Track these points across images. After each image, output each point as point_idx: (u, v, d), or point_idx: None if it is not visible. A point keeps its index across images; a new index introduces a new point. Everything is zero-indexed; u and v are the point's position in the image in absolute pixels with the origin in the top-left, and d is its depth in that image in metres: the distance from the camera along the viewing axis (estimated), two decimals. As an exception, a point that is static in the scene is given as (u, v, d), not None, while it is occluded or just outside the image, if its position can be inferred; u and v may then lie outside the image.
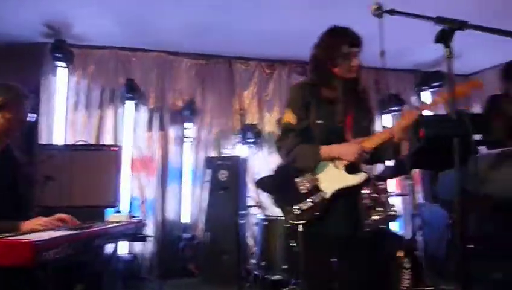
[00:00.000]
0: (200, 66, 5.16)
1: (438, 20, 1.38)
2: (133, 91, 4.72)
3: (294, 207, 2.04)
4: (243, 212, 4.38)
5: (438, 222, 4.24)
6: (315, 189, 2.05)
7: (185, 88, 5.10)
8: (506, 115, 2.94)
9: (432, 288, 3.14)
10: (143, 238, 2.42)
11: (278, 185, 2.20)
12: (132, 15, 4.10)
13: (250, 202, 4.67)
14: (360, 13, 2.16)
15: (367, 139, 2.04)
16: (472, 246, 2.28)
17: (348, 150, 2.02)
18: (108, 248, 2.81)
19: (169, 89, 5.03)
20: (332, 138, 2.06)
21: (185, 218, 4.90)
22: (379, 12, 1.65)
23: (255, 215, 4.42)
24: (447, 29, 1.35)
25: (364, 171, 2.06)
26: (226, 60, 5.23)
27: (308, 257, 2.03)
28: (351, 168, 2.06)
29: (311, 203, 2.03)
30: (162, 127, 4.96)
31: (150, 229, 4.54)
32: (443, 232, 4.01)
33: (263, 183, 4.05)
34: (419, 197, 4.69)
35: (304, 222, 2.02)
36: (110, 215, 2.54)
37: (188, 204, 4.93)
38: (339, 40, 2.05)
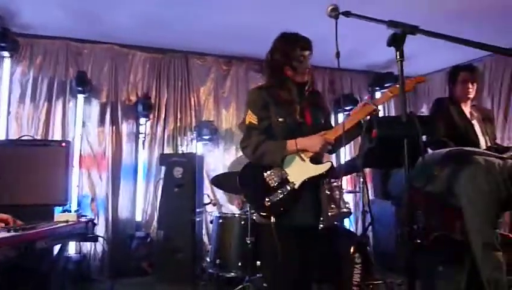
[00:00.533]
0: (155, 59, 5.03)
1: (391, 24, 1.41)
2: (84, 84, 4.52)
3: (266, 200, 2.12)
4: (199, 210, 4.33)
5: (387, 218, 4.40)
6: (284, 181, 2.15)
7: (139, 82, 4.95)
8: (450, 117, 3.07)
9: (381, 282, 3.27)
10: (94, 238, 2.33)
11: (245, 182, 2.24)
12: (83, 5, 3.92)
13: (205, 199, 4.63)
14: (317, 13, 2.19)
15: (328, 132, 2.16)
16: (419, 241, 2.38)
17: (313, 142, 2.13)
18: (56, 249, 2.69)
19: (122, 83, 4.87)
20: (294, 135, 2.17)
21: (138, 216, 4.77)
22: (335, 13, 1.67)
23: (211, 212, 4.38)
24: (399, 33, 1.39)
25: (329, 161, 2.18)
26: (182, 54, 5.13)
27: (281, 248, 2.06)
28: (316, 160, 2.18)
29: (281, 195, 2.12)
30: (115, 122, 4.79)
31: (101, 228, 4.40)
32: (392, 228, 4.17)
33: (220, 181, 4.03)
34: (370, 194, 4.85)
35: (276, 214, 2.10)
36: (57, 214, 2.41)
37: (142, 202, 4.81)
38: (291, 45, 2.17)
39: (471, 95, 3.11)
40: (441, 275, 2.32)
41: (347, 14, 1.65)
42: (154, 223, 4.68)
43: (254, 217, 3.51)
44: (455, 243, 2.38)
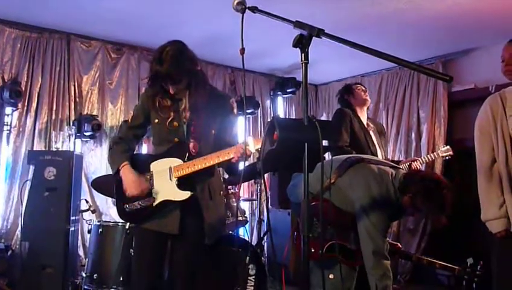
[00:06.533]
0: (29, 39, 4.60)
1: (297, 24, 1.50)
2: None
3: (126, 206, 2.36)
4: (74, 217, 4.08)
5: (284, 228, 4.61)
6: (147, 193, 2.34)
7: (6, 64, 4.49)
8: (352, 127, 3.54)
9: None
10: None
11: (116, 183, 2.42)
12: None
13: (83, 205, 4.37)
14: (221, 7, 2.24)
15: (181, 165, 2.32)
16: (313, 250, 2.55)
17: (128, 184, 2.33)
18: None
19: (-16, 63, 4.39)
20: (166, 137, 2.40)
21: (-4, 224, 4.34)
22: (241, 7, 1.71)
23: (89, 221, 4.16)
24: (305, 35, 1.48)
25: (191, 191, 2.31)
26: (63, 35, 4.79)
27: (138, 253, 2.45)
28: (184, 183, 2.31)
29: (139, 206, 2.33)
30: (-29, 110, 4.30)
31: None
32: (289, 238, 4.38)
33: (102, 184, 3.85)
34: (268, 203, 5.05)
35: (132, 221, 2.48)
36: None
37: (2, 208, 4.37)
38: (157, 67, 2.30)
39: (368, 98, 3.74)
40: (330, 283, 2.49)
41: (253, 9, 1.70)
42: (18, 233, 4.28)
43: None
44: (348, 252, 2.59)
